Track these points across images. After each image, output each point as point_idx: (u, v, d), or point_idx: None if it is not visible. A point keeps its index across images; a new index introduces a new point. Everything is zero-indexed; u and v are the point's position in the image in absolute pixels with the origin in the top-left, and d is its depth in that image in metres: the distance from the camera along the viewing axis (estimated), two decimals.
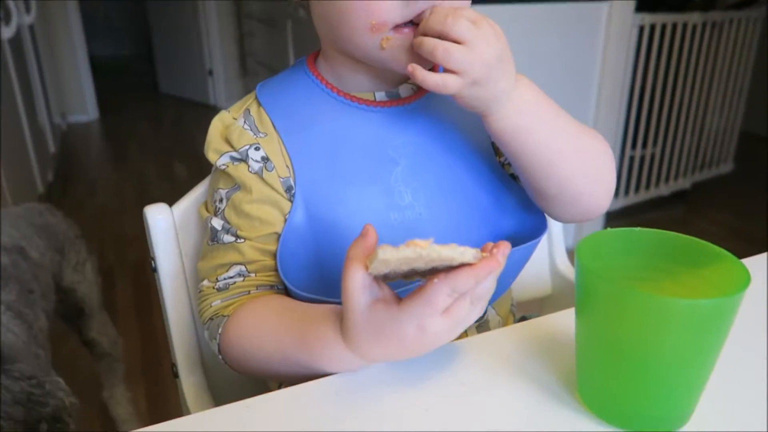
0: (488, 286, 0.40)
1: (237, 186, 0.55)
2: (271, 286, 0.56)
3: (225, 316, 0.54)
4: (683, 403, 0.37)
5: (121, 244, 2.41)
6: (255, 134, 0.55)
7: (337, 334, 0.44)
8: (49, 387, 0.70)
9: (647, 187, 2.63)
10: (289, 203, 0.54)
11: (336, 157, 0.54)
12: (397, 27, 0.49)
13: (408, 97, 0.57)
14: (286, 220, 0.54)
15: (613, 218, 2.53)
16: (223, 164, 0.55)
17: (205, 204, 0.60)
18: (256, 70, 4.10)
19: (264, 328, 0.51)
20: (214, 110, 4.55)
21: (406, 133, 0.56)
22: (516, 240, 0.57)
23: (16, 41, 2.63)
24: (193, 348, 0.64)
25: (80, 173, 3.35)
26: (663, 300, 0.33)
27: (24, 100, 2.61)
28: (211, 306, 0.55)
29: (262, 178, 0.54)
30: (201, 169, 3.49)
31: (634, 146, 2.52)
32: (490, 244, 0.40)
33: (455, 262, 0.38)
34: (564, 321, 0.51)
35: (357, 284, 0.40)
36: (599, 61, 2.19)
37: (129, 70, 6.16)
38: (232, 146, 0.55)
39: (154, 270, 0.63)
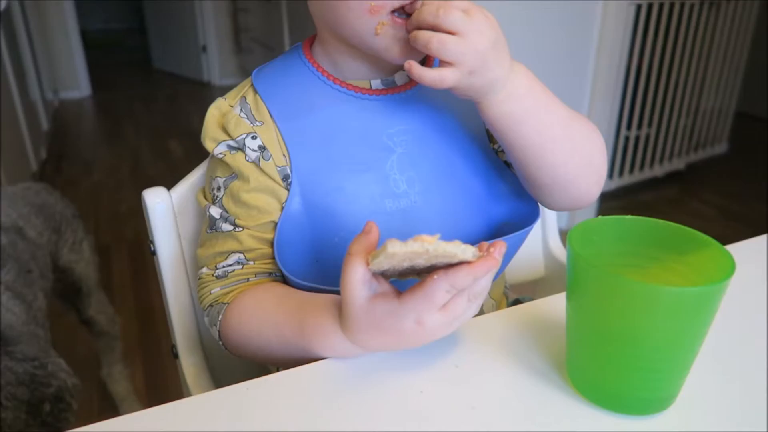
0: (485, 284, 0.41)
1: (234, 175, 0.56)
2: (269, 274, 0.57)
3: (225, 304, 0.55)
4: (668, 386, 0.39)
5: (117, 222, 2.41)
6: (252, 123, 0.55)
7: (336, 324, 0.45)
8: (51, 368, 0.71)
9: (642, 167, 2.64)
10: (286, 192, 0.55)
11: (332, 144, 0.55)
12: (392, 14, 0.49)
13: (403, 84, 0.58)
14: (282, 209, 0.55)
15: (607, 199, 2.55)
16: (221, 153, 0.55)
17: (203, 191, 0.60)
18: (250, 47, 4.06)
19: (263, 314, 0.52)
20: (207, 87, 4.53)
21: (402, 121, 0.57)
22: (509, 227, 0.58)
23: (6, 16, 2.59)
24: (192, 330, 0.65)
25: (74, 150, 3.33)
26: (650, 287, 0.34)
27: (15, 76, 2.58)
28: (210, 293, 0.56)
29: (259, 167, 0.54)
30: (196, 146, 3.48)
31: (629, 126, 2.52)
32: (486, 244, 0.41)
33: (455, 260, 0.39)
34: (555, 305, 0.52)
35: (357, 279, 0.41)
36: (596, 41, 2.18)
37: (121, 44, 6.08)
38: (229, 135, 0.55)
39: (153, 253, 0.64)
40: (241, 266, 0.56)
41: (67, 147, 3.36)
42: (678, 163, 2.78)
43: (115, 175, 2.92)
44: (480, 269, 0.39)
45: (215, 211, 0.56)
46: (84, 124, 3.93)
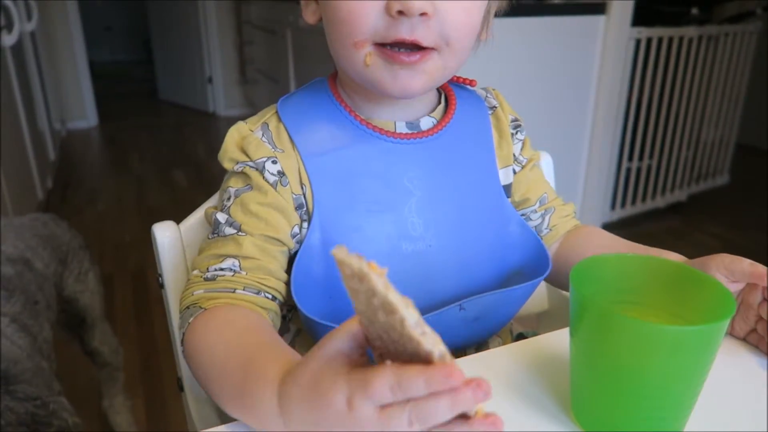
0: (442, 413, 0.30)
1: (249, 186, 0.56)
2: (257, 292, 0.53)
3: (202, 309, 0.51)
4: (671, 423, 0.39)
5: (121, 252, 2.42)
6: (273, 148, 0.56)
7: (278, 376, 0.39)
8: (53, 407, 0.71)
9: (643, 199, 2.66)
10: (299, 220, 0.56)
11: (354, 183, 0.56)
12: (377, 45, 0.51)
13: (428, 129, 0.59)
14: (292, 236, 0.55)
15: (610, 229, 2.53)
16: (240, 167, 0.56)
17: (213, 208, 0.59)
18: (255, 78, 4.12)
19: (226, 333, 0.48)
20: (213, 117, 4.59)
21: (424, 166, 0.58)
22: (520, 276, 0.59)
23: (17, 48, 2.64)
24: None
25: (80, 180, 3.36)
26: (650, 326, 0.35)
27: (24, 106, 2.62)
28: (193, 294, 0.53)
29: (276, 190, 0.55)
30: (200, 176, 3.51)
31: (630, 158, 2.55)
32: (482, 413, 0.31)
33: (420, 349, 0.30)
34: (559, 340, 0.52)
35: (347, 328, 0.35)
36: (596, 74, 2.22)
37: (128, 75, 6.18)
38: (248, 156, 0.56)
39: (161, 286, 0.64)
40: (232, 273, 0.53)
41: (73, 176, 3.40)
42: (680, 195, 2.79)
43: (120, 205, 2.94)
44: (436, 374, 0.29)
45: (221, 217, 0.56)
46: (90, 153, 3.97)
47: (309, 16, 0.57)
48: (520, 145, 0.68)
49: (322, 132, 0.57)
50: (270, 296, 0.54)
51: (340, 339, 0.35)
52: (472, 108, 0.64)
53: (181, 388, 0.66)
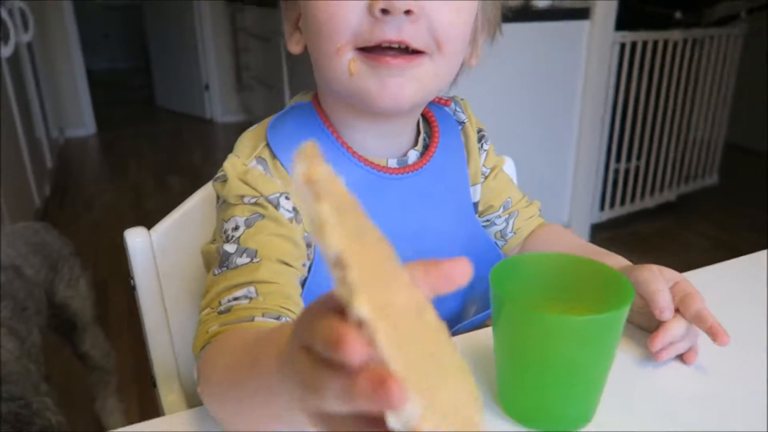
0: (331, 392, 0.24)
1: (261, 215, 0.52)
2: (278, 317, 0.47)
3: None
4: (583, 405, 0.43)
5: (115, 258, 2.45)
6: (281, 183, 0.54)
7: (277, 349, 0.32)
8: (36, 407, 0.74)
9: (632, 199, 2.69)
10: (308, 259, 0.54)
11: None
12: (359, 51, 0.49)
13: (414, 164, 0.60)
14: (304, 265, 0.54)
15: (598, 230, 2.59)
16: (252, 200, 0.53)
17: (208, 244, 0.55)
18: (251, 84, 4.17)
19: (241, 344, 0.41)
20: (210, 124, 4.63)
21: (410, 199, 0.59)
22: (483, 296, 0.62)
23: (14, 59, 2.69)
24: (170, 362, 0.69)
25: (77, 187, 3.41)
26: (554, 317, 0.38)
27: (21, 115, 2.66)
28: (207, 332, 0.47)
29: (291, 225, 0.53)
30: (196, 182, 3.53)
31: (618, 159, 2.58)
32: None
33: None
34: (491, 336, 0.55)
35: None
36: (581, 78, 2.26)
37: (126, 83, 6.23)
38: (258, 192, 0.53)
39: (133, 288, 0.68)
40: (248, 300, 0.48)
41: (71, 184, 3.44)
42: (669, 195, 2.82)
43: (116, 211, 2.98)
44: (329, 335, 0.23)
45: (230, 248, 0.51)
46: (88, 161, 4.02)
47: (293, 46, 0.57)
48: (484, 155, 0.69)
49: None
50: (292, 321, 0.45)
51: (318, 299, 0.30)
52: (448, 131, 0.64)
53: (154, 385, 0.69)
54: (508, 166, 0.85)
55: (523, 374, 0.42)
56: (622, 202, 2.66)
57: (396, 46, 0.49)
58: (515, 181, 0.86)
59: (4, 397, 0.71)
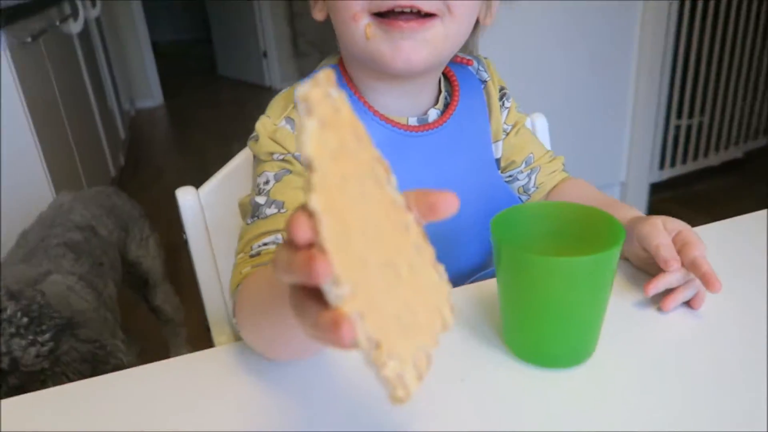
0: (282, 262, 0.28)
1: (288, 170, 0.57)
2: None
3: None
4: (579, 343, 0.46)
5: None
6: None
7: None
8: (110, 348, 0.84)
9: (695, 157, 2.59)
10: None
11: None
12: (374, 16, 0.52)
13: (434, 122, 0.63)
14: None
15: (658, 190, 2.51)
16: (280, 157, 0.58)
17: (246, 196, 0.61)
18: (307, 50, 4.22)
19: (255, 288, 0.47)
20: (269, 91, 4.74)
21: (431, 154, 0.62)
22: None
23: (84, 35, 2.84)
24: (220, 307, 0.77)
25: (148, 156, 3.60)
26: (541, 259, 0.42)
27: (94, 89, 2.83)
28: (241, 273, 0.53)
29: None
30: None
31: (679, 115, 2.48)
32: None
33: None
34: None
35: None
36: (638, 25, 2.15)
37: (189, 54, 6.42)
38: (286, 149, 0.57)
39: (186, 242, 0.76)
40: (275, 245, 0.53)
41: (142, 153, 3.63)
42: (735, 152, 2.70)
43: (184, 179, 3.12)
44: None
45: (261, 199, 0.56)
46: (157, 131, 4.22)
47: (317, 13, 0.61)
48: (506, 112, 0.71)
49: None
50: None
51: None
52: (470, 90, 0.67)
53: (207, 329, 0.78)
54: (540, 123, 0.87)
55: (522, 315, 0.46)
56: (684, 160, 2.56)
57: (408, 10, 0.52)
58: (547, 136, 0.87)
59: (83, 339, 0.81)
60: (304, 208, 0.26)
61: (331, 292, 0.26)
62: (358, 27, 0.53)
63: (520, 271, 0.44)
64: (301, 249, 0.26)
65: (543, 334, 0.46)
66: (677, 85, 2.39)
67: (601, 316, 0.46)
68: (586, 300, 0.44)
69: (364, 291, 0.26)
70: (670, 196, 2.52)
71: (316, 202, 0.25)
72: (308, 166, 0.26)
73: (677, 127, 2.50)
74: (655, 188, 2.51)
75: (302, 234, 0.26)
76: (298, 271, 0.26)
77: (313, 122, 0.26)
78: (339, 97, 0.28)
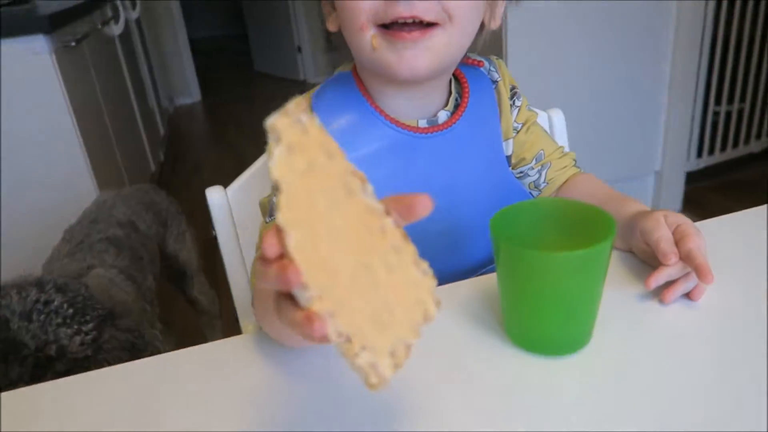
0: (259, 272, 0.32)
1: None
2: None
3: None
4: (575, 331, 0.48)
5: None
6: None
7: None
8: (147, 338, 0.90)
9: (735, 144, 2.52)
10: None
11: (380, 177, 0.57)
12: (379, 27, 0.55)
13: (444, 123, 0.65)
14: None
15: (694, 178, 2.46)
16: None
17: (265, 197, 0.65)
18: (340, 44, 4.26)
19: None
20: (304, 85, 4.80)
21: (441, 155, 0.65)
22: None
23: (125, 36, 2.95)
24: (246, 298, 0.82)
25: (186, 153, 3.71)
26: (539, 254, 0.44)
27: (134, 89, 2.94)
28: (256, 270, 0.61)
29: None
30: None
31: (718, 102, 2.42)
32: None
33: None
34: None
35: None
36: (675, 7, 2.10)
37: (226, 49, 6.55)
38: None
39: (215, 237, 0.80)
40: None
41: (181, 149, 3.75)
42: None
43: (221, 174, 3.21)
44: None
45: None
46: (195, 127, 4.34)
47: (330, 24, 0.64)
48: (516, 111, 0.73)
49: (354, 130, 0.63)
50: None
51: None
52: (481, 91, 0.69)
53: (236, 319, 0.82)
54: (558, 119, 0.88)
55: (519, 306, 0.48)
56: (723, 148, 2.50)
57: (411, 20, 0.54)
58: (565, 132, 0.89)
59: (123, 329, 0.87)
60: (275, 226, 0.30)
61: (302, 296, 0.29)
62: (365, 38, 0.56)
63: (516, 265, 0.46)
64: (273, 261, 0.30)
65: (539, 323, 0.48)
66: (716, 70, 2.33)
67: (594, 306, 0.48)
68: (579, 292, 0.46)
69: (334, 292, 0.30)
70: (707, 185, 2.47)
71: (281, 219, 0.29)
72: (276, 188, 0.29)
73: (716, 114, 2.44)
74: (692, 177, 2.46)
75: (270, 249, 0.30)
76: (272, 280, 0.30)
77: (281, 148, 0.30)
78: (308, 121, 0.32)
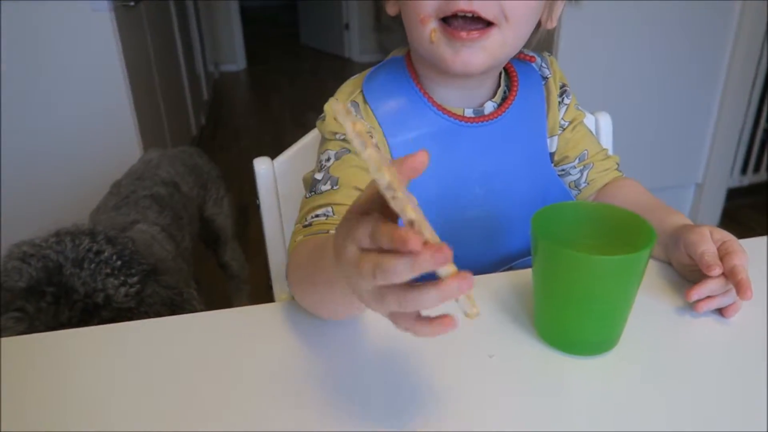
0: (398, 269, 0.32)
1: (347, 150, 0.63)
2: None
3: None
4: (603, 335, 0.50)
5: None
6: (367, 125, 0.63)
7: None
8: (186, 296, 0.94)
9: None
10: None
11: (430, 170, 0.63)
12: (441, 21, 0.57)
13: (490, 114, 0.67)
14: None
15: (736, 195, 2.40)
16: (341, 136, 0.64)
17: (309, 172, 0.67)
18: (390, 25, 4.24)
19: (312, 246, 0.51)
20: (348, 63, 4.81)
21: (486, 145, 0.66)
22: None
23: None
24: (282, 266, 0.85)
25: (228, 119, 3.77)
26: (577, 255, 0.45)
27: (184, 52, 2.99)
28: (295, 241, 0.59)
29: None
30: None
31: None
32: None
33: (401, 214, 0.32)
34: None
35: (367, 190, 0.37)
36: (735, 23, 2.05)
37: (275, 20, 6.58)
38: None
39: (258, 206, 0.83)
40: (326, 218, 0.59)
41: (223, 115, 3.81)
42: None
43: (259, 142, 3.28)
44: (396, 237, 0.32)
45: (319, 175, 0.62)
46: (238, 94, 4.39)
47: (390, 8, 0.65)
48: (564, 109, 0.74)
49: (402, 114, 0.65)
50: None
51: (358, 200, 0.38)
52: (530, 86, 0.70)
53: (270, 286, 0.86)
54: (605, 122, 0.88)
55: (551, 303, 0.50)
56: None
57: (470, 15, 0.56)
58: (611, 136, 0.89)
59: (164, 285, 0.91)
60: (385, 220, 0.34)
61: (443, 270, 0.32)
62: (425, 30, 0.58)
63: (553, 263, 0.47)
64: (415, 252, 0.31)
65: (569, 323, 0.49)
66: None
67: (625, 312, 0.49)
68: (612, 296, 0.47)
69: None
70: (749, 202, 2.42)
71: (412, 215, 0.32)
72: (389, 188, 0.31)
73: (765, 131, 2.37)
74: (733, 193, 2.41)
75: (420, 245, 0.31)
76: (426, 266, 0.31)
77: (375, 152, 0.32)
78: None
